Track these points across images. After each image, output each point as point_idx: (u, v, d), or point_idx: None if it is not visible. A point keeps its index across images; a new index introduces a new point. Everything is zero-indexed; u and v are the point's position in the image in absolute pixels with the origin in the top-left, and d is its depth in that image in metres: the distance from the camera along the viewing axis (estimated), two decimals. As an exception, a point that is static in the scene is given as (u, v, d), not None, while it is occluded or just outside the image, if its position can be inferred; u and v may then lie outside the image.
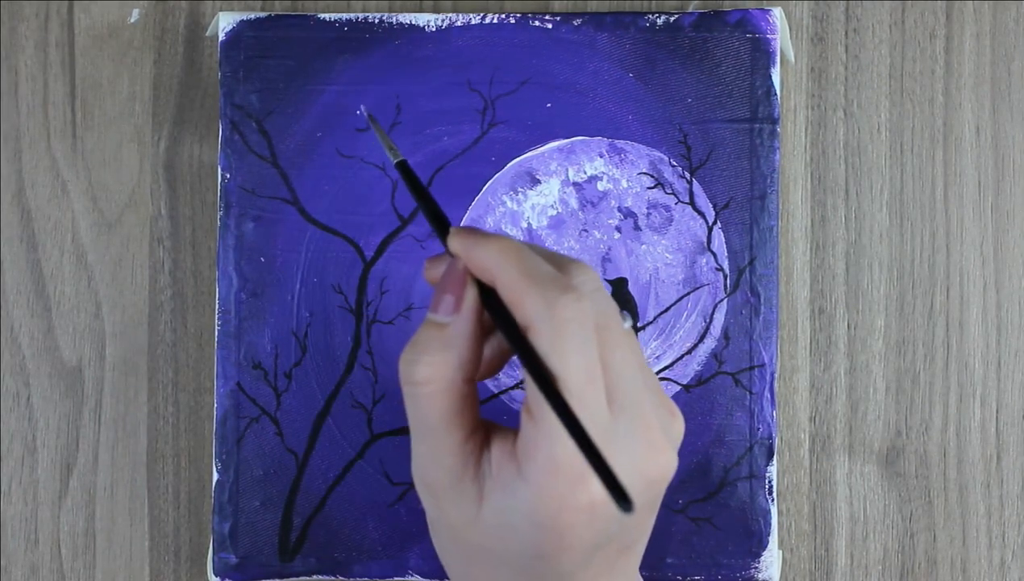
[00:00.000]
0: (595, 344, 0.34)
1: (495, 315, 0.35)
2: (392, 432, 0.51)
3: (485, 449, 0.36)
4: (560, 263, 0.36)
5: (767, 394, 0.51)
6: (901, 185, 0.53)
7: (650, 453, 0.35)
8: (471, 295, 0.36)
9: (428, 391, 0.35)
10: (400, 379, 0.36)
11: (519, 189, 0.52)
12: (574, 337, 0.33)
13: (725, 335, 0.51)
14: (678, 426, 0.37)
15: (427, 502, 0.37)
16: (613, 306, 0.36)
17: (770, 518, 0.50)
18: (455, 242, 0.36)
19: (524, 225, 0.52)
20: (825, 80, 0.53)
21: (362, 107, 0.50)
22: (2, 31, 0.53)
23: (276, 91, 0.51)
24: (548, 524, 0.34)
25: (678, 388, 0.51)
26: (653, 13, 0.51)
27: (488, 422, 0.37)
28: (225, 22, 0.51)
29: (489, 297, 0.36)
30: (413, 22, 0.51)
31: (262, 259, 0.51)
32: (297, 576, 0.51)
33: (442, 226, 0.38)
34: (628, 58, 0.51)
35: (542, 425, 0.33)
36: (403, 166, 0.40)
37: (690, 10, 0.52)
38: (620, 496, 0.31)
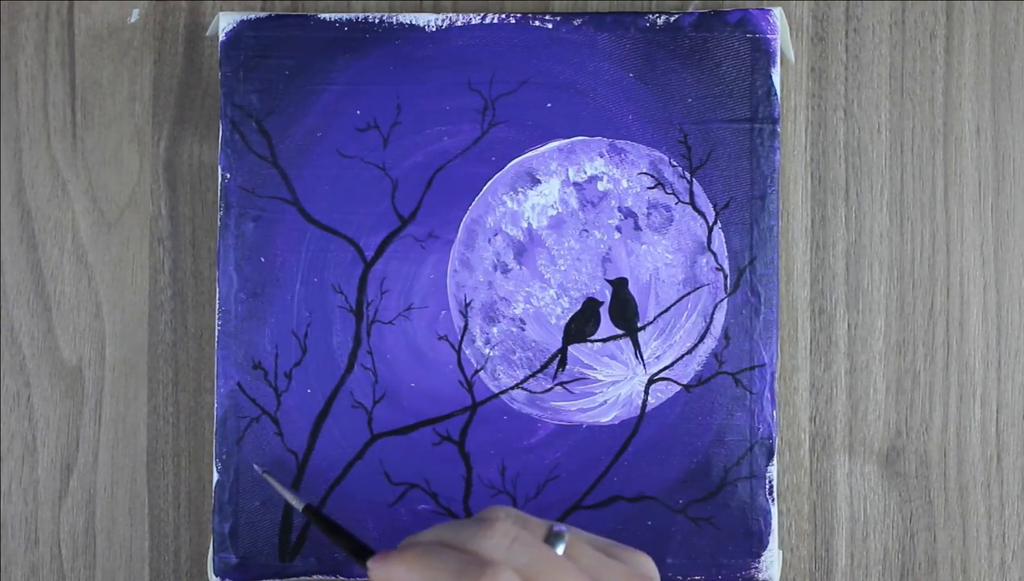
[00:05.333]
0: None
1: None
2: (392, 432, 0.51)
3: None
4: (469, 536, 0.37)
5: (767, 394, 0.51)
6: (901, 185, 0.53)
7: None
8: None
9: None
10: None
11: (519, 189, 0.52)
12: None
13: (725, 335, 0.51)
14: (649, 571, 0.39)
15: None
16: (534, 544, 0.37)
17: (770, 518, 0.50)
18: (374, 577, 0.38)
19: (524, 225, 0.52)
20: (825, 80, 0.53)
21: (256, 466, 0.51)
22: (2, 31, 0.53)
23: (276, 91, 0.51)
24: None
25: (678, 388, 0.51)
26: (653, 13, 0.51)
27: None
28: (225, 22, 0.51)
29: None
30: (413, 22, 0.51)
31: (262, 259, 0.51)
32: (297, 576, 0.51)
33: (361, 556, 0.40)
34: (628, 58, 0.51)
35: None
36: (310, 510, 0.43)
37: (690, 10, 0.52)
38: None
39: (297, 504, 0.43)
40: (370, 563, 0.38)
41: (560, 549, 0.38)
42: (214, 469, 0.51)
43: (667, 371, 0.51)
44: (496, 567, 0.35)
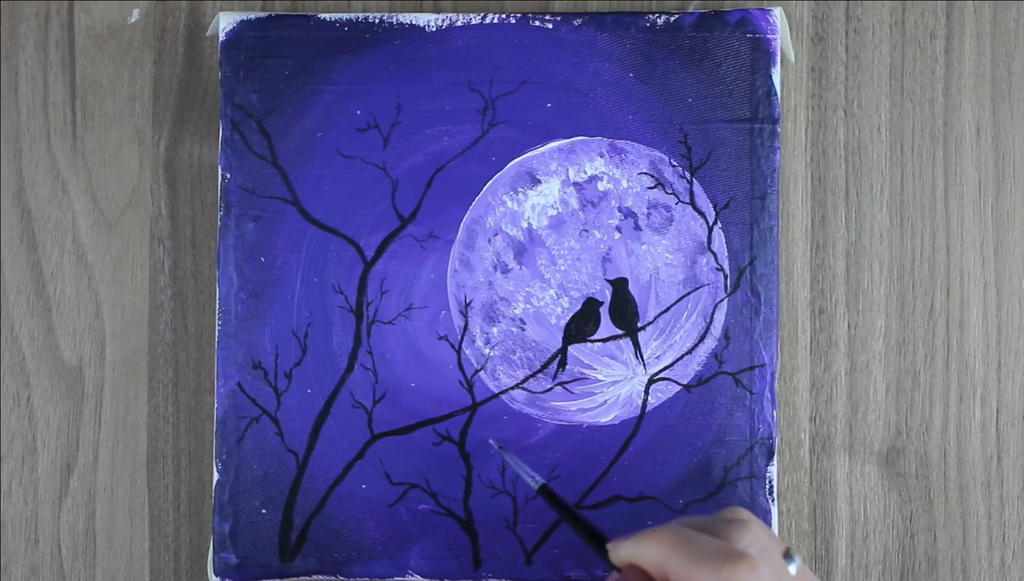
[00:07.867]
0: None
1: None
2: (392, 432, 0.51)
3: None
4: (720, 528, 0.38)
5: (767, 394, 0.51)
6: (901, 185, 0.53)
7: None
8: None
9: None
10: None
11: (519, 189, 0.52)
12: None
13: (725, 335, 0.51)
14: None
15: None
16: (779, 556, 0.38)
17: (770, 518, 0.50)
18: (616, 556, 0.39)
19: (524, 225, 0.52)
20: (825, 80, 0.53)
21: (491, 440, 0.51)
22: (2, 31, 0.53)
23: (276, 91, 0.51)
24: None
25: (678, 388, 0.51)
26: (653, 13, 0.51)
27: None
28: (225, 22, 0.51)
29: None
30: (413, 22, 0.52)
31: (262, 259, 0.51)
32: (297, 576, 0.51)
33: (599, 542, 0.40)
34: (628, 58, 0.51)
35: None
36: (545, 490, 0.43)
37: (690, 10, 0.52)
38: None
39: (533, 482, 0.44)
40: (611, 545, 0.39)
41: (793, 569, 0.39)
42: (214, 469, 0.51)
43: (667, 371, 0.51)
44: (755, 559, 0.36)
